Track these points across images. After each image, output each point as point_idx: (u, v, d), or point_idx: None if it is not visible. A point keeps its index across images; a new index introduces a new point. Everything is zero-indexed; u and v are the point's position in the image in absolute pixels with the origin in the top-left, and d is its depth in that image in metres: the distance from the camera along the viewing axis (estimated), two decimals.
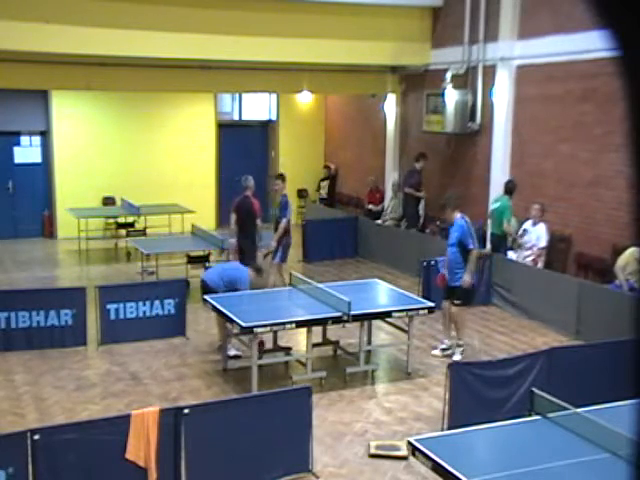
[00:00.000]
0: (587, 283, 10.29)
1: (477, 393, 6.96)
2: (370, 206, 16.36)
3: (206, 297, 8.84)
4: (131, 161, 17.17)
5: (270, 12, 13.12)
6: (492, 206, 12.06)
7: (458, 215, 9.14)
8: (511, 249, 11.73)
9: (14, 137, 16.59)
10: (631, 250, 9.78)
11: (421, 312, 8.83)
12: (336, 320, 8.28)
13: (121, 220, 15.96)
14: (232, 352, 8.91)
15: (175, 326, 9.85)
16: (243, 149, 18.81)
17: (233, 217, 11.08)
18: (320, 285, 9.22)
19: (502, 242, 11.85)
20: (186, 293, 10.15)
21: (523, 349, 9.29)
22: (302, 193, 19.04)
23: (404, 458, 6.49)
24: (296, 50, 13.37)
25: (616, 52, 0.87)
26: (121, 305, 9.62)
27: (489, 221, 12.39)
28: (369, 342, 9.21)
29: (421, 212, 14.73)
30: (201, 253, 12.62)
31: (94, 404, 7.76)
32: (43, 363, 8.96)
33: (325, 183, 18.61)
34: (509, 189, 11.83)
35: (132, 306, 9.68)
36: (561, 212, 11.74)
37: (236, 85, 15.76)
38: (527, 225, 11.48)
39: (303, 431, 6.32)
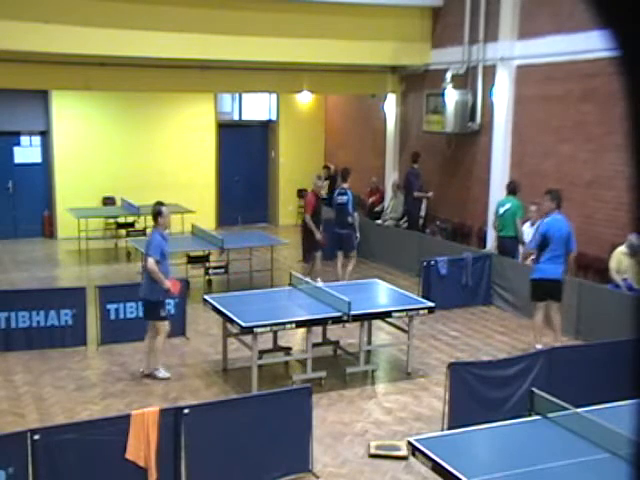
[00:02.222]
0: (587, 283, 10.29)
1: (477, 393, 6.96)
2: (372, 199, 16.42)
3: (206, 297, 8.87)
4: (131, 161, 17.17)
5: (270, 12, 13.13)
6: (500, 209, 11.62)
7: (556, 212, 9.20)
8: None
9: (14, 137, 16.60)
10: (618, 250, 9.86)
11: (421, 312, 8.84)
12: (336, 320, 8.28)
13: (121, 220, 15.96)
14: (161, 374, 8.45)
15: (175, 326, 9.83)
16: (243, 149, 18.82)
17: None
18: (320, 285, 9.22)
19: (514, 245, 11.51)
20: (186, 293, 10.14)
21: (523, 349, 9.29)
22: (302, 193, 19.01)
23: (404, 458, 6.49)
24: (296, 50, 13.38)
25: (616, 52, 0.87)
26: (121, 305, 9.62)
27: (493, 224, 12.26)
28: (369, 342, 9.22)
29: (422, 213, 14.69)
30: (201, 253, 12.62)
31: (94, 404, 7.76)
32: (43, 363, 8.97)
33: (325, 183, 18.55)
34: (513, 189, 11.61)
35: (132, 306, 9.67)
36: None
37: (236, 85, 15.76)
38: (526, 228, 11.46)
39: (303, 431, 6.32)
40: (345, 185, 12.48)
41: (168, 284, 8.29)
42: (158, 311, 8.37)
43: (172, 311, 9.83)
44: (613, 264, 9.97)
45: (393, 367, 9.21)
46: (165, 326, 8.42)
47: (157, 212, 8.47)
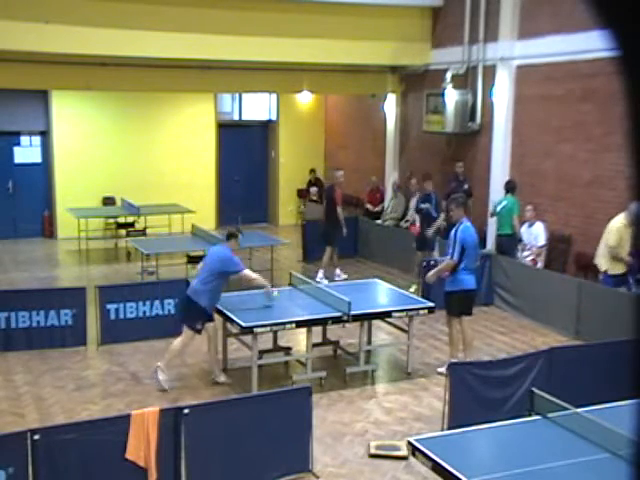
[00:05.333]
0: (587, 283, 10.29)
1: (477, 393, 6.95)
2: (369, 206, 16.34)
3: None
4: (131, 161, 17.17)
5: (270, 12, 13.13)
6: (498, 207, 11.83)
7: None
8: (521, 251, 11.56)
9: (14, 137, 16.60)
10: (616, 223, 9.42)
11: (421, 312, 8.83)
12: (336, 320, 8.28)
13: (121, 220, 15.96)
14: (160, 377, 8.15)
15: (175, 326, 9.82)
16: (243, 149, 18.82)
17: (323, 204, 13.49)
18: (320, 285, 9.21)
19: (511, 243, 11.58)
20: None
21: (523, 349, 9.28)
22: (302, 193, 19.01)
23: (404, 458, 6.49)
24: (296, 50, 13.38)
25: (616, 52, 0.87)
26: (121, 305, 9.62)
27: (492, 222, 12.30)
28: (369, 342, 9.21)
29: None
30: (201, 253, 12.60)
31: (94, 404, 7.76)
32: (43, 363, 8.96)
33: (314, 189, 18.30)
34: (511, 188, 11.78)
35: (132, 306, 9.67)
36: (561, 212, 11.74)
37: (236, 85, 15.76)
38: (523, 229, 11.48)
39: (303, 431, 6.32)
40: (431, 188, 12.45)
41: (269, 286, 8.61)
42: (196, 320, 8.13)
43: (172, 311, 9.85)
44: (613, 240, 9.47)
45: (393, 367, 9.21)
46: (189, 337, 8.23)
47: (233, 234, 8.35)
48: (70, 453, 5.38)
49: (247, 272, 8.27)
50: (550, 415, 5.66)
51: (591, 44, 9.72)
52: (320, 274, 12.67)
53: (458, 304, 8.59)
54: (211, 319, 8.27)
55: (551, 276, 10.76)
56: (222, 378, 8.40)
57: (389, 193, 16.11)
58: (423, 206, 12.43)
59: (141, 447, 5.57)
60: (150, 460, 5.60)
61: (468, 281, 8.55)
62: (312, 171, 18.68)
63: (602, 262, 9.84)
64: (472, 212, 13.04)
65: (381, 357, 9.46)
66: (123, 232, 15.81)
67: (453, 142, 14.26)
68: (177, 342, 8.26)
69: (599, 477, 5.02)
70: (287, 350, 9.02)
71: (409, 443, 5.43)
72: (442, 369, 8.70)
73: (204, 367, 8.90)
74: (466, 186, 13.24)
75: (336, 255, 13.18)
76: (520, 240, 11.54)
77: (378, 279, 10.62)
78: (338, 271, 13.15)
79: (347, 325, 8.78)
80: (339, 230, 12.90)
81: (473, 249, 8.61)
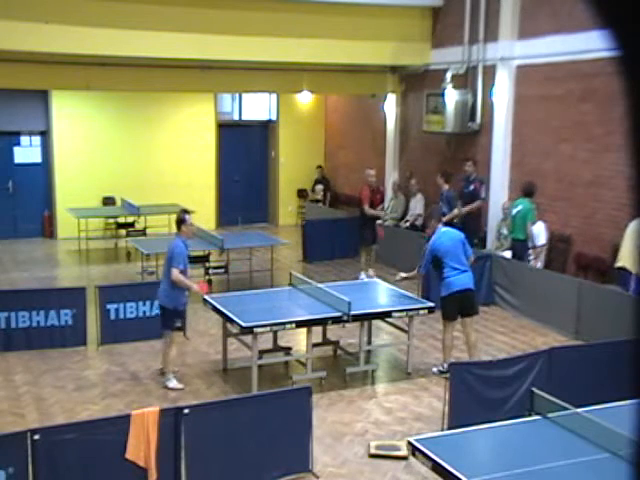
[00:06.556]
0: (587, 283, 10.28)
1: (477, 393, 6.95)
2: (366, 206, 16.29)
3: (206, 297, 8.81)
4: (131, 161, 17.17)
5: (270, 12, 13.13)
6: (513, 211, 11.51)
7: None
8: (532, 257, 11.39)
9: (14, 137, 16.60)
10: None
11: (421, 312, 8.83)
12: (336, 320, 8.28)
13: (121, 220, 15.96)
14: (172, 384, 8.19)
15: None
16: (243, 149, 18.82)
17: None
18: (320, 285, 9.22)
19: (524, 248, 11.37)
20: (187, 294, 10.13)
21: (523, 349, 9.29)
22: (302, 193, 19.03)
23: (404, 458, 6.49)
24: (296, 50, 13.37)
25: (616, 52, 0.87)
26: (121, 305, 9.62)
27: (493, 223, 12.24)
28: (369, 342, 9.22)
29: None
30: (201, 253, 12.61)
31: (94, 404, 7.76)
32: (43, 363, 8.97)
33: (320, 187, 18.33)
34: (530, 191, 11.34)
35: (132, 306, 9.67)
36: (561, 212, 11.74)
37: (236, 85, 15.76)
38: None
39: (303, 431, 6.32)
40: (446, 187, 12.38)
41: (196, 287, 8.24)
42: (173, 321, 8.21)
43: None
44: None
45: (393, 367, 9.21)
46: (176, 337, 8.25)
47: (180, 219, 8.21)
48: (70, 453, 5.38)
49: (174, 272, 7.94)
50: (550, 415, 5.66)
51: (591, 44, 9.72)
52: (370, 273, 12.83)
53: (452, 307, 8.54)
54: (184, 320, 8.19)
55: (551, 276, 10.76)
56: (173, 383, 8.17)
57: (389, 193, 16.11)
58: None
59: (141, 447, 5.57)
60: (150, 460, 5.60)
61: (456, 282, 8.44)
62: (319, 167, 18.68)
63: (630, 264, 9.50)
64: (482, 215, 12.94)
65: (381, 357, 9.46)
66: (123, 232, 15.80)
67: (453, 142, 14.26)
68: (167, 351, 8.30)
69: (599, 477, 5.02)
70: (287, 350, 9.02)
71: (409, 443, 5.43)
72: (435, 369, 8.79)
73: (204, 367, 8.91)
74: (472, 187, 12.65)
75: (370, 255, 13.15)
76: (535, 247, 11.37)
77: (378, 279, 10.62)
78: (368, 272, 12.95)
79: (347, 325, 8.78)
80: (366, 230, 13.02)
81: (449, 250, 8.49)
